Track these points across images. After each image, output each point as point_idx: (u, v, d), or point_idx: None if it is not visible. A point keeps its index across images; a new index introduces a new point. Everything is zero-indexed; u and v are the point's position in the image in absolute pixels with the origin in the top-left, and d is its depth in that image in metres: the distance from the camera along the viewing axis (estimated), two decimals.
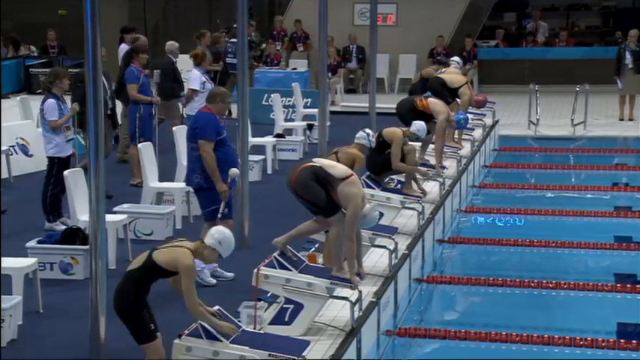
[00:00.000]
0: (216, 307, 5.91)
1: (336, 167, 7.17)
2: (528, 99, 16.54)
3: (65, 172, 8.66)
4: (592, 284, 8.46)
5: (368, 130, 8.91)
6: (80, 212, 8.36)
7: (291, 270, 6.63)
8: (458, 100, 13.26)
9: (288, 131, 14.62)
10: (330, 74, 17.19)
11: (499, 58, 21.74)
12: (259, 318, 6.45)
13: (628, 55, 17.09)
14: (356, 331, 6.51)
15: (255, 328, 6.33)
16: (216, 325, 5.62)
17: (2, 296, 6.05)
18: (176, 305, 7.28)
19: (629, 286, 8.53)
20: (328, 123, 12.80)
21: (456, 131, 12.88)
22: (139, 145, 10.26)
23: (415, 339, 7.35)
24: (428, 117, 10.98)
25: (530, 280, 8.61)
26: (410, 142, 10.07)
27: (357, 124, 13.81)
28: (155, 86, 12.91)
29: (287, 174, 7.14)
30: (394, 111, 11.77)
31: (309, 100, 16.14)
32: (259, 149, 12.72)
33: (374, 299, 7.16)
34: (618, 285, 8.53)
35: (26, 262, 7.23)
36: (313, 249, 8.14)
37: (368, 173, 9.76)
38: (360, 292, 6.75)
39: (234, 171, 7.68)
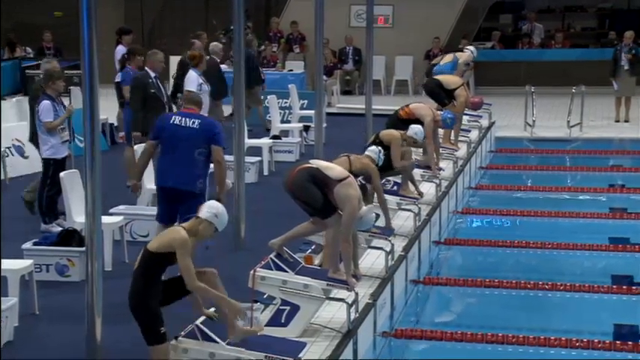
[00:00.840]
0: (212, 309, 5.91)
1: (332, 169, 7.17)
2: (524, 101, 16.56)
3: (61, 174, 8.66)
4: (588, 286, 8.46)
5: (380, 149, 8.93)
6: (76, 214, 8.36)
7: (287, 271, 6.63)
8: (454, 101, 13.27)
9: (285, 133, 14.62)
10: (326, 76, 17.20)
11: (495, 60, 21.76)
12: (256, 320, 6.44)
13: (624, 57, 17.13)
14: (352, 332, 6.51)
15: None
16: (219, 299, 5.55)
17: None
18: (171, 308, 7.28)
19: (625, 287, 8.54)
20: (324, 124, 12.79)
21: (452, 133, 12.90)
22: (135, 147, 10.25)
23: (412, 340, 7.34)
24: (415, 123, 10.90)
25: (526, 281, 8.61)
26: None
27: (353, 125, 13.87)
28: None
29: (284, 175, 7.14)
30: (390, 113, 11.77)
31: (306, 101, 16.15)
32: (255, 151, 12.73)
33: (370, 301, 7.16)
34: (614, 286, 8.54)
35: (22, 264, 7.21)
36: (310, 250, 8.13)
37: None
38: (357, 293, 6.75)
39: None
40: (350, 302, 6.56)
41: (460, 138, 13.34)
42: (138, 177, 8.13)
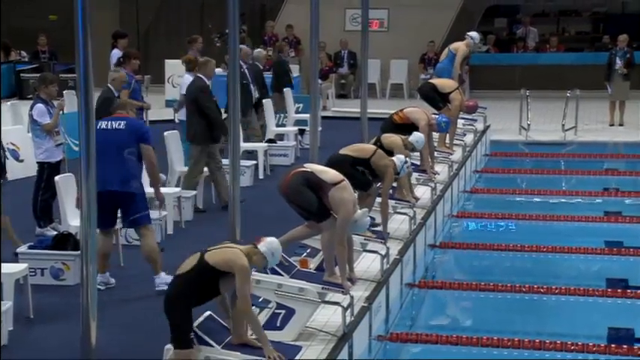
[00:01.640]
0: (208, 313, 5.91)
1: (327, 172, 7.17)
2: (519, 104, 16.57)
3: (56, 178, 8.64)
4: (583, 289, 8.48)
5: (407, 159, 8.93)
6: (71, 217, 8.34)
7: (282, 275, 6.63)
8: (449, 105, 13.29)
9: (280, 136, 14.62)
10: (321, 80, 17.19)
11: (490, 64, 21.79)
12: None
13: (618, 61, 17.17)
14: (348, 336, 6.51)
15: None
16: (262, 335, 5.68)
17: None
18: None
19: (619, 290, 8.55)
20: (320, 128, 12.77)
21: (447, 136, 12.91)
22: None
23: (407, 344, 7.35)
24: (410, 127, 10.91)
25: (521, 284, 8.61)
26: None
27: (348, 129, 13.85)
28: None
29: (279, 179, 7.15)
30: (385, 116, 11.77)
31: (301, 105, 16.14)
32: (251, 154, 12.73)
33: (366, 304, 7.16)
34: (609, 290, 8.55)
35: (17, 268, 7.20)
36: (305, 254, 8.13)
37: None
38: (352, 297, 6.75)
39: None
40: (345, 306, 6.56)
41: (455, 142, 13.35)
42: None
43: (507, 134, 16.51)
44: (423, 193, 10.69)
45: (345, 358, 6.40)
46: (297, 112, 16.05)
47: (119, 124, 7.78)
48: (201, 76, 10.71)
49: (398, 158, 8.88)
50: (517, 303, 8.46)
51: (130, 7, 22.17)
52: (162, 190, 10.15)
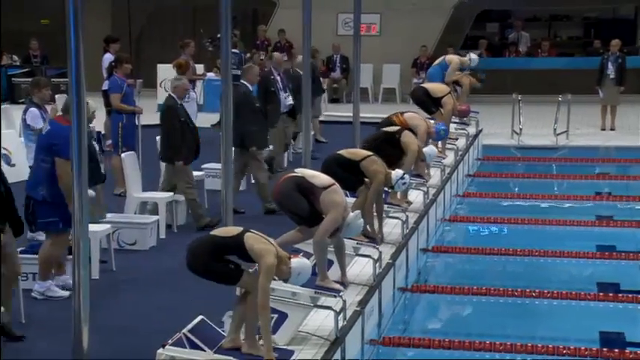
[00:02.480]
0: (200, 317, 5.90)
1: (318, 177, 7.19)
2: (511, 109, 16.62)
3: None
4: (575, 293, 8.49)
5: (406, 177, 8.90)
6: None
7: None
8: (441, 109, 13.31)
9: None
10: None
11: (482, 68, 21.82)
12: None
13: (610, 66, 17.23)
14: (340, 340, 6.50)
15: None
16: (268, 334, 5.69)
17: None
18: (159, 316, 7.26)
19: (611, 294, 8.57)
20: (312, 132, 12.80)
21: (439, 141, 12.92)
22: (123, 155, 10.24)
23: (399, 348, 7.34)
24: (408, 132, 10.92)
25: (513, 289, 8.62)
26: None
27: (341, 133, 13.87)
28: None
29: (272, 185, 7.15)
30: (378, 121, 11.78)
31: None
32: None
33: (358, 308, 7.16)
34: (601, 294, 8.57)
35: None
36: None
37: None
38: (345, 301, 6.75)
39: None
40: (338, 310, 6.56)
41: (447, 146, 13.38)
42: None
43: (499, 138, 16.55)
44: (415, 197, 10.71)
45: None
46: None
47: (45, 129, 7.66)
48: (244, 82, 10.73)
49: (395, 172, 8.80)
50: (509, 307, 8.47)
51: (122, 12, 22.09)
52: (155, 194, 10.19)
